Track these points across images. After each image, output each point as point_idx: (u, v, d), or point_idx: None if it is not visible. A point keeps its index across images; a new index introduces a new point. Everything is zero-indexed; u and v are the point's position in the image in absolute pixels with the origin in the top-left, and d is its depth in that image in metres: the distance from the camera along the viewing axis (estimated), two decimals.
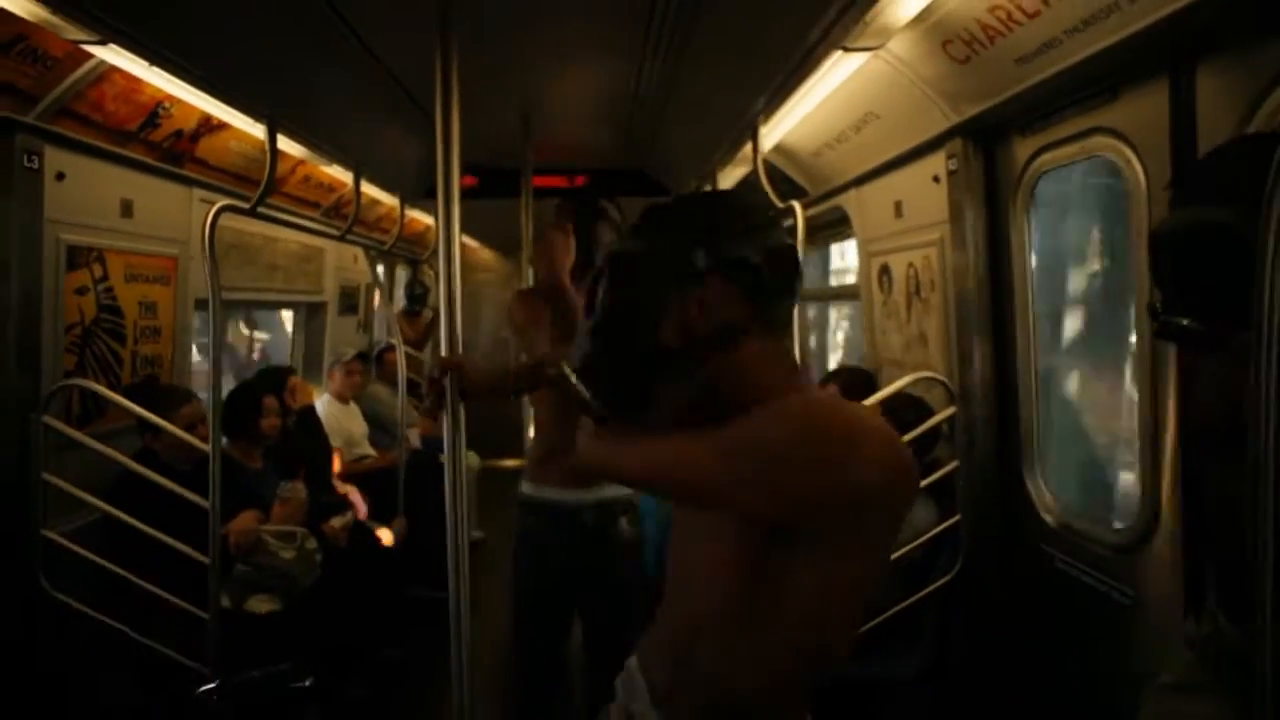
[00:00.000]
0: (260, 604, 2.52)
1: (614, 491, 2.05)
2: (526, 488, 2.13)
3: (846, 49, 1.89)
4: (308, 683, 1.56)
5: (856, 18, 1.70)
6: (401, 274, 6.63)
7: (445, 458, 1.48)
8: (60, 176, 2.26)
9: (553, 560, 2.06)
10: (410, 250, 5.75)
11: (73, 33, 1.75)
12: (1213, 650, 1.28)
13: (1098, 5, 1.44)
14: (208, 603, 2.30)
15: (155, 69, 1.97)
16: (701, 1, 1.88)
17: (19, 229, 2.14)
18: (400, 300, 6.38)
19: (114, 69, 2.09)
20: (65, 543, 2.25)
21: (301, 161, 3.42)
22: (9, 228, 2.13)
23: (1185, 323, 1.14)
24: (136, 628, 2.31)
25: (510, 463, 6.27)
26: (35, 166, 2.16)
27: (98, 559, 2.28)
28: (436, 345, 6.68)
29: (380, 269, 5.78)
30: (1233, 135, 1.39)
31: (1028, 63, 1.73)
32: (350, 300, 5.11)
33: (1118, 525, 1.92)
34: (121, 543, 2.38)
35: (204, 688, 1.39)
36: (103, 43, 1.80)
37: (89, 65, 2.04)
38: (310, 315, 4.72)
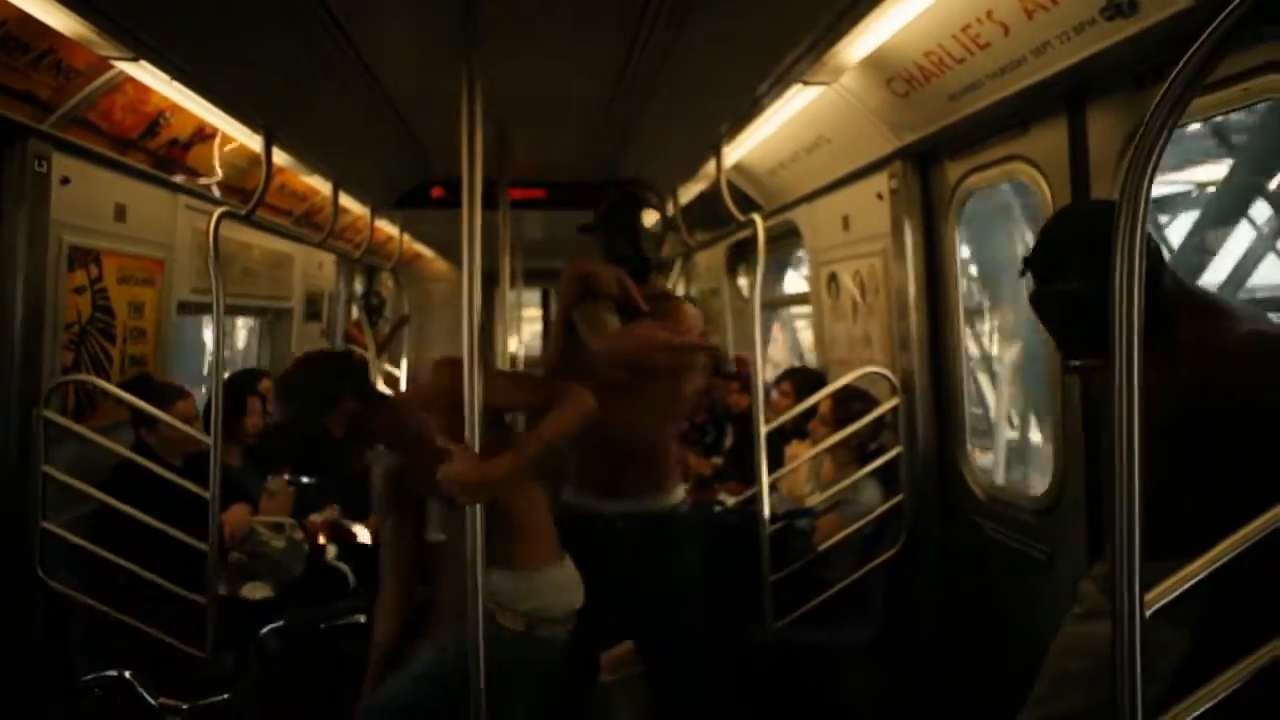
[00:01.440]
0: (253, 590, 2.63)
1: (652, 504, 2.08)
2: (567, 494, 2.17)
3: (806, 82, 2.18)
4: (362, 619, 1.70)
5: (816, 56, 1.99)
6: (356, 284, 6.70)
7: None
8: (65, 181, 2.36)
9: (589, 572, 1.93)
10: (373, 259, 5.85)
11: (107, 49, 1.89)
12: (1110, 581, 1.58)
13: (1010, 57, 1.76)
14: (204, 590, 2.41)
15: (175, 84, 2.11)
16: (678, 31, 2.13)
17: (27, 230, 2.24)
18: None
19: (128, 80, 2.22)
20: (63, 533, 2.33)
21: (279, 169, 3.53)
22: (17, 228, 2.22)
23: (1074, 364, 1.52)
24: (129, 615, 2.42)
25: None
26: (44, 171, 2.27)
27: (95, 548, 2.36)
28: (393, 355, 6.77)
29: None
30: (1115, 163, 1.73)
31: (956, 99, 2.05)
32: (314, 307, 5.17)
33: (1034, 494, 2.24)
34: (115, 534, 2.47)
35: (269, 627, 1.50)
36: (135, 59, 1.94)
37: (106, 76, 2.17)
38: (275, 321, 4.78)
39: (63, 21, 1.73)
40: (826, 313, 3.31)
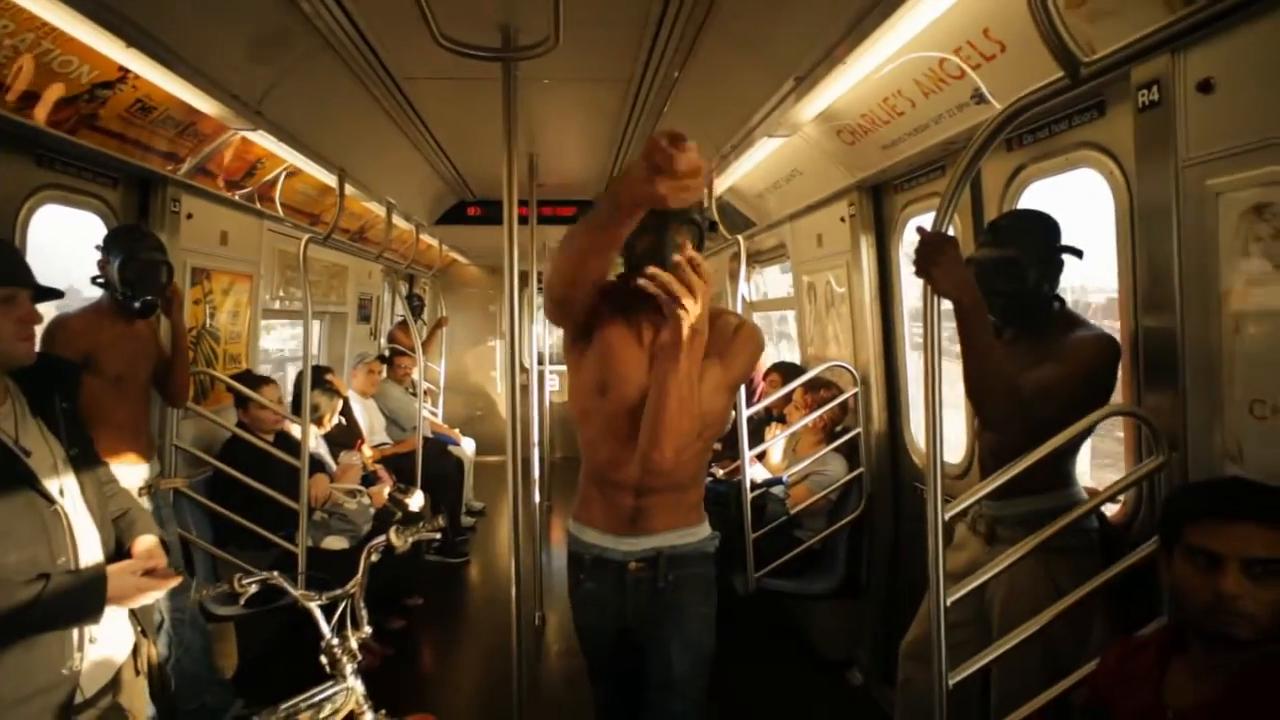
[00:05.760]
0: (334, 542, 3.26)
1: (669, 540, 1.73)
2: (572, 527, 1.82)
3: (770, 135, 2.74)
4: (437, 536, 2.24)
5: (777, 118, 2.56)
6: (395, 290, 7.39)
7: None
8: (189, 216, 3.00)
9: (606, 613, 1.78)
10: (414, 268, 6.50)
11: (236, 123, 2.52)
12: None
13: (918, 123, 2.31)
14: (296, 540, 3.04)
15: (283, 144, 2.74)
16: (670, 91, 2.72)
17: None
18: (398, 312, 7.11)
19: (240, 137, 2.85)
20: (191, 493, 2.97)
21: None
22: None
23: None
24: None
25: (498, 458, 7.05)
26: (176, 210, 2.91)
27: (215, 506, 3.01)
28: (434, 354, 7.45)
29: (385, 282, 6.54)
30: (997, 206, 2.27)
31: (889, 149, 2.60)
32: (365, 311, 5.83)
33: (954, 461, 2.78)
34: (222, 494, 3.11)
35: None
36: (254, 129, 2.57)
37: (224, 137, 2.80)
38: (334, 323, 5.45)
39: (209, 105, 2.36)
40: (806, 315, 3.86)
